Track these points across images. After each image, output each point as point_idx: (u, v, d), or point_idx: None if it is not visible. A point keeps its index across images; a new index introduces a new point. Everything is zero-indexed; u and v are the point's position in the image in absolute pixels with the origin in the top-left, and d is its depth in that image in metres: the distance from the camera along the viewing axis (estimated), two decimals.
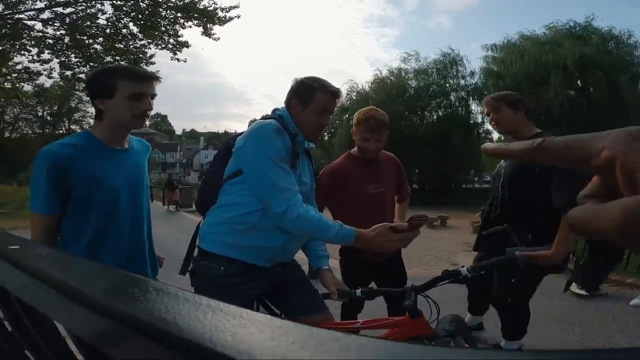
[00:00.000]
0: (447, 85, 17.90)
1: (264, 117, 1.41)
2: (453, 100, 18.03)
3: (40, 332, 0.32)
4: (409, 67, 18.35)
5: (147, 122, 1.38)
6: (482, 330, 2.60)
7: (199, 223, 1.46)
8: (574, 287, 3.35)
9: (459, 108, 17.67)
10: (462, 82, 17.85)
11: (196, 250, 1.42)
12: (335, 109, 1.50)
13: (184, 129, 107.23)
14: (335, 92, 1.41)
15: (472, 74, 17.70)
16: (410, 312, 1.30)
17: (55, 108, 36.85)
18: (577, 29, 15.68)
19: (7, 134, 33.40)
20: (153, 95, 1.26)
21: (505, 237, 1.82)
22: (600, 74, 13.92)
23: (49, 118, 38.09)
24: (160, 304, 0.20)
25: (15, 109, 31.27)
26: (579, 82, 15.07)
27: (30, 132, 35.60)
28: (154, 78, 1.27)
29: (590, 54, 14.04)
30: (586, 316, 2.87)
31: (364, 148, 1.89)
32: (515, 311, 2.07)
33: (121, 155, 1.28)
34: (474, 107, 17.59)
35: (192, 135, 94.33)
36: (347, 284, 1.85)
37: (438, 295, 1.39)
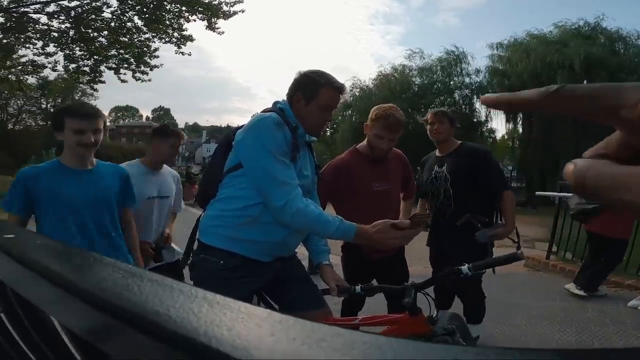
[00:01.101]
0: (451, 83, 17.78)
1: (265, 110, 1.39)
2: (457, 98, 17.93)
3: (34, 324, 0.32)
4: (413, 65, 18.26)
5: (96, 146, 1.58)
6: None
7: (199, 216, 1.45)
8: (572, 288, 3.33)
9: (463, 106, 17.56)
10: (467, 80, 17.75)
11: (196, 243, 1.42)
12: (339, 104, 1.48)
13: (186, 123, 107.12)
14: (339, 88, 1.39)
15: (477, 72, 17.60)
16: (409, 309, 1.30)
17: (59, 101, 36.90)
18: (586, 28, 15.50)
19: (10, 126, 33.47)
20: (96, 131, 1.51)
21: (467, 224, 2.12)
22: (605, 74, 13.80)
23: (52, 110, 38.15)
24: (154, 296, 0.19)
25: (19, 101, 31.34)
26: (585, 82, 14.93)
27: (33, 124, 35.72)
28: (94, 117, 1.52)
29: (597, 54, 13.90)
30: (584, 317, 2.85)
31: (375, 146, 1.85)
32: (478, 298, 2.34)
33: (81, 174, 1.56)
34: (478, 105, 17.48)
35: (195, 129, 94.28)
36: (348, 280, 1.84)
37: None
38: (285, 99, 1.42)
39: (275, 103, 1.42)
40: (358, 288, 1.38)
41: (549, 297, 3.31)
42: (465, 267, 1.30)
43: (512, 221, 2.17)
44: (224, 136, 1.48)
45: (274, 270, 1.40)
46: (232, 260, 1.30)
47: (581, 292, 3.26)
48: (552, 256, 4.36)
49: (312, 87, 1.35)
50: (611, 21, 16.32)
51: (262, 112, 1.38)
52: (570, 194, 3.60)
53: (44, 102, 35.88)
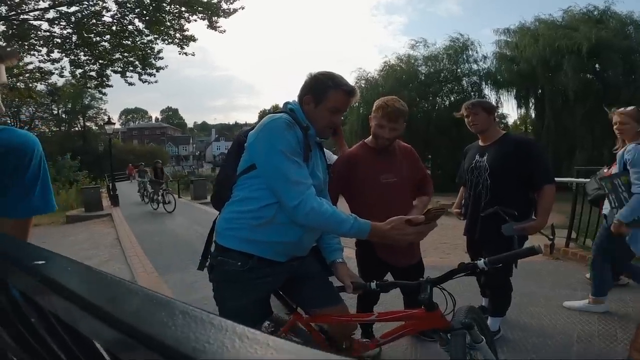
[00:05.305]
0: (458, 70, 17.49)
1: (275, 111, 1.40)
2: (465, 85, 17.65)
3: (79, 347, 0.33)
4: (418, 54, 18.00)
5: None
6: None
7: (215, 218, 1.47)
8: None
9: (472, 93, 17.28)
10: (475, 67, 17.44)
11: (213, 245, 1.44)
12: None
13: (195, 122, 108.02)
14: (350, 92, 1.39)
15: (485, 58, 17.26)
16: (425, 305, 1.30)
17: (70, 106, 37.57)
18: (595, 13, 15.06)
19: None
20: None
21: (496, 216, 2.13)
22: (616, 58, 13.41)
23: (64, 116, 38.86)
24: (189, 330, 0.20)
25: (30, 108, 31.91)
26: (597, 65, 14.49)
27: (47, 130, 36.41)
28: None
29: (606, 38, 13.48)
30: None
31: (377, 135, 1.89)
32: (503, 289, 2.33)
33: None
34: (487, 91, 17.18)
35: (204, 127, 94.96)
36: (363, 275, 1.85)
37: (454, 286, 1.37)
38: (295, 99, 1.44)
39: (286, 104, 1.43)
40: (373, 285, 1.38)
41: (570, 286, 3.22)
42: (481, 262, 1.29)
43: (545, 217, 2.08)
44: (235, 138, 1.48)
45: (290, 270, 1.42)
46: (249, 261, 1.31)
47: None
48: (572, 244, 4.23)
49: (322, 90, 1.36)
50: (622, 4, 15.73)
51: (272, 112, 1.39)
52: (588, 179, 3.51)
53: (55, 108, 36.51)
